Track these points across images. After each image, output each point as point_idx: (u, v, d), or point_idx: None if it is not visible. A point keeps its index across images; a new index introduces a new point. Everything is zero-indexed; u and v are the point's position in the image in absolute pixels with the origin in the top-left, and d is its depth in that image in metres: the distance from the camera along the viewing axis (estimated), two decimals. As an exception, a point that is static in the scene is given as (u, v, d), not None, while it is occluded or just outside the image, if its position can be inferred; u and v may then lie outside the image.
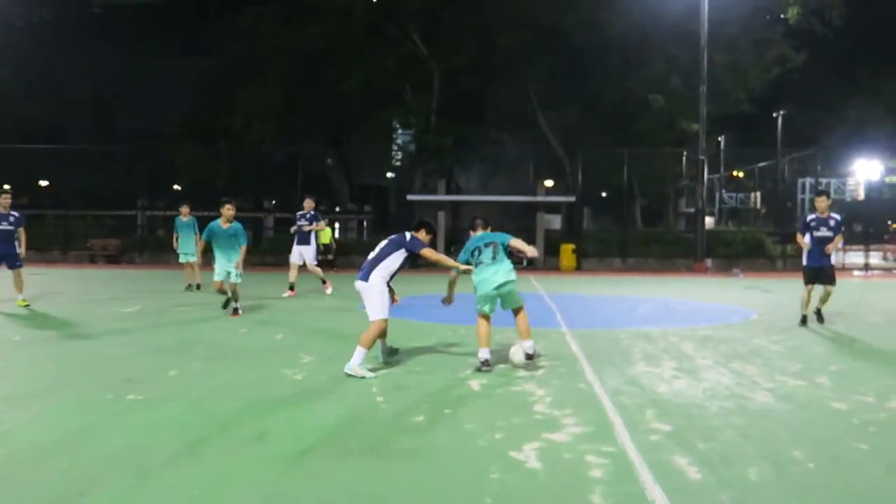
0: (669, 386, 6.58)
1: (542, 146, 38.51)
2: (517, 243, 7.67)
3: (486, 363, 7.24)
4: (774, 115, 41.08)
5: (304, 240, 15.66)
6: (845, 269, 28.35)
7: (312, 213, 15.74)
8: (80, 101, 54.91)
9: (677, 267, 28.17)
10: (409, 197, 30.93)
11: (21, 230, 12.78)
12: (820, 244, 10.64)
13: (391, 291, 7.51)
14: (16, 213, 12.77)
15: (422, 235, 7.50)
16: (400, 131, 45.21)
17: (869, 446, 4.81)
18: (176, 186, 41.56)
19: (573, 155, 34.15)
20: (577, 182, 31.87)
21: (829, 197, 10.68)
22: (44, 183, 47.06)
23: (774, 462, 4.45)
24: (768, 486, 4.06)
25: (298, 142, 35.22)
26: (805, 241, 10.79)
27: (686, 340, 9.23)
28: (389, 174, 51.52)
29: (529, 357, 7.44)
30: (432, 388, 6.48)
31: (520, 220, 28.90)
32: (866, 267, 28.64)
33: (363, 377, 6.85)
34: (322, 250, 24.71)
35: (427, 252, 7.45)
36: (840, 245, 11.22)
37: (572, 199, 30.76)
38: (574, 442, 4.83)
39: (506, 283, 7.44)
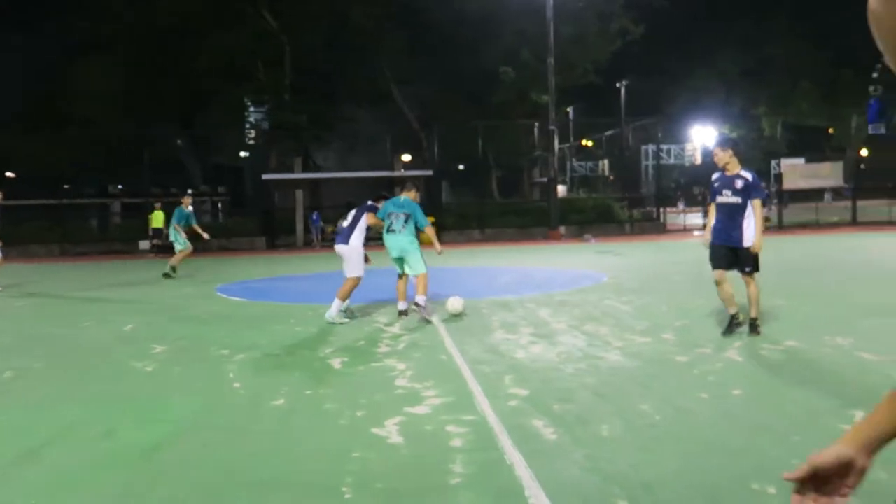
0: (527, 352, 6.74)
1: (399, 121, 38.52)
2: (430, 233, 9.25)
3: (403, 313, 8.96)
4: (618, 85, 42.90)
5: None
6: (686, 230, 30.12)
7: None
8: None
9: (534, 236, 28.99)
10: (265, 176, 30.06)
11: None
12: (725, 213, 7.23)
13: (366, 256, 9.11)
14: None
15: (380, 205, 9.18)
16: (253, 109, 43.89)
17: (708, 395, 5.12)
18: (9, 174, 38.68)
19: (429, 129, 34.33)
20: (434, 156, 32.10)
21: (730, 147, 7.28)
22: None
23: (625, 417, 4.65)
24: (619, 440, 4.23)
25: (146, 123, 33.51)
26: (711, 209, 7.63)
27: (542, 307, 9.51)
28: (243, 153, 50.00)
29: (416, 304, 8.70)
30: (292, 371, 6.35)
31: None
32: (704, 227, 30.56)
33: (341, 323, 8.51)
34: (152, 235, 23.70)
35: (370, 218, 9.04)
36: (767, 218, 7.83)
37: (430, 172, 30.91)
38: (435, 413, 4.86)
39: (400, 257, 8.98)
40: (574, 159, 50.19)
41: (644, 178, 44.57)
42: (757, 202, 7.04)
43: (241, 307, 10.81)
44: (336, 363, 6.57)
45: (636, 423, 4.54)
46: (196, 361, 6.85)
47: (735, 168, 7.15)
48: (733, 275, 7.13)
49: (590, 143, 49.63)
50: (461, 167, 46.02)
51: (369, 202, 9.38)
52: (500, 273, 14.92)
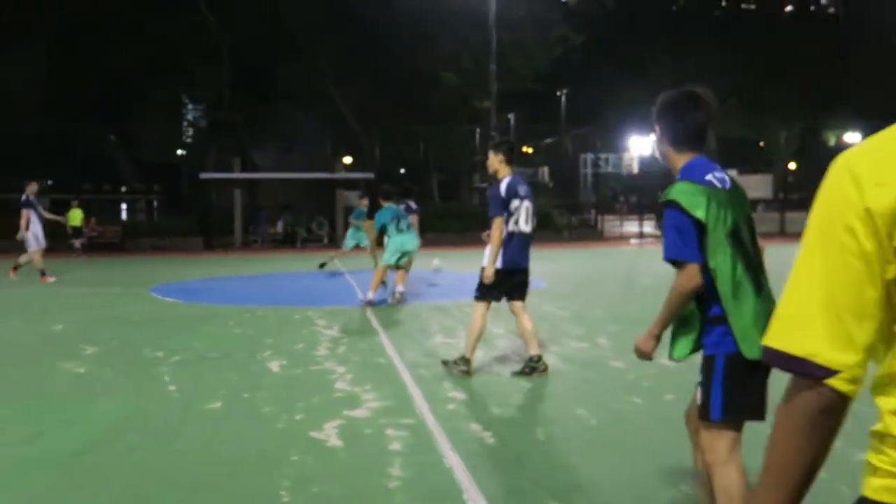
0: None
1: (340, 123, 38.26)
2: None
3: (369, 303, 10.02)
4: (558, 93, 43.47)
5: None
6: (623, 237, 30.67)
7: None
8: None
9: (474, 240, 29.11)
10: (203, 175, 29.53)
11: None
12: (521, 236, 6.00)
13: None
14: None
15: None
16: (190, 106, 43.07)
17: (642, 400, 5.23)
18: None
19: (370, 131, 34.22)
20: (376, 158, 32.02)
21: (502, 151, 6.07)
22: None
23: (561, 421, 4.72)
24: (555, 444, 4.30)
25: (73, 118, 32.52)
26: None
27: None
28: (180, 151, 48.94)
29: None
30: (229, 373, 6.26)
31: (320, 198, 28.61)
32: (641, 235, 31.12)
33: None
34: (72, 233, 22.95)
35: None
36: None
37: (371, 175, 30.82)
38: (374, 417, 4.85)
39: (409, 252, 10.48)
40: (514, 165, 50.68)
41: (583, 185, 45.23)
42: (496, 220, 5.81)
43: (176, 308, 10.60)
44: (274, 366, 6.50)
45: (572, 426, 4.62)
46: (128, 363, 6.70)
47: (504, 175, 5.97)
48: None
49: (530, 150, 50.17)
50: (402, 170, 46.03)
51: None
52: (439, 277, 14.96)
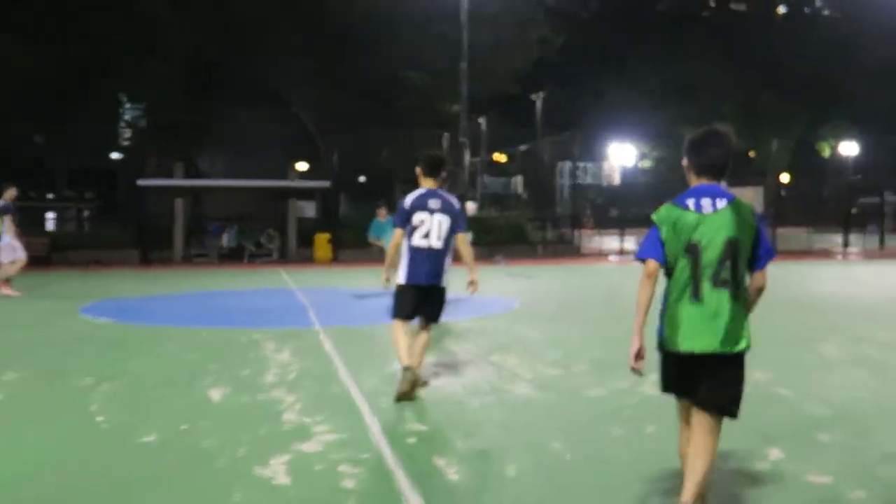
0: (430, 384, 6.76)
1: (294, 126, 38.16)
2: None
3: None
4: (534, 97, 43.75)
5: None
6: (602, 254, 30.90)
7: None
8: None
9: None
10: (141, 182, 29.22)
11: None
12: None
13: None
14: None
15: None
16: (128, 106, 42.60)
17: (624, 431, 5.26)
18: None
19: (328, 136, 34.14)
20: (333, 165, 31.94)
21: (420, 165, 6.53)
22: None
23: (534, 455, 4.72)
24: (528, 480, 4.29)
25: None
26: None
27: (447, 334, 9.56)
28: (116, 155, 48.39)
29: None
30: (167, 402, 6.18)
31: (271, 207, 28.48)
32: (621, 252, 31.37)
33: None
34: None
35: None
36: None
37: (327, 184, 30.75)
38: (326, 451, 4.81)
39: None
40: (485, 174, 50.89)
41: (559, 197, 45.50)
42: (394, 232, 6.43)
43: (108, 330, 10.44)
44: (216, 394, 6.42)
45: (546, 460, 4.62)
46: (54, 391, 6.58)
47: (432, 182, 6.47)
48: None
49: (503, 158, 50.45)
50: (363, 178, 45.97)
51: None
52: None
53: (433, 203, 6.26)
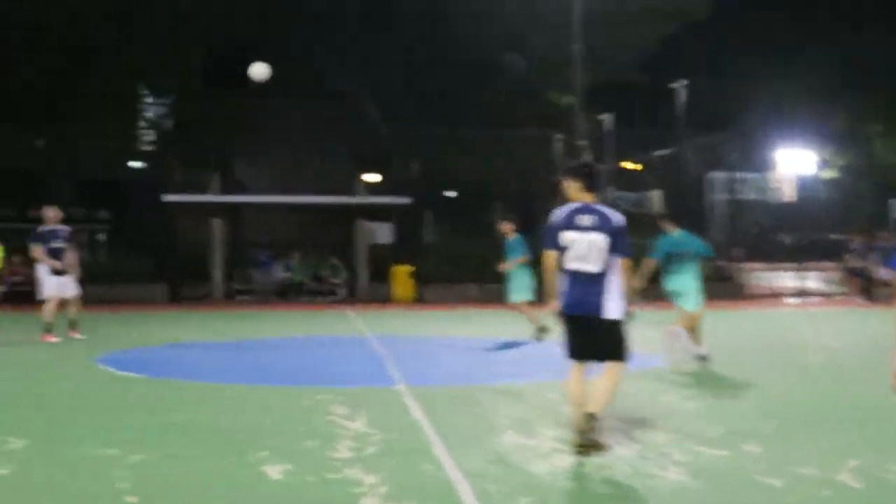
0: (550, 464, 6.75)
1: (363, 127, 38.63)
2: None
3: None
4: (673, 86, 43.28)
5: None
6: (774, 294, 30.28)
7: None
8: None
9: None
10: (167, 197, 29.97)
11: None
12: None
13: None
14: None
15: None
16: (151, 101, 43.55)
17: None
18: None
19: (406, 139, 34.42)
20: (414, 176, 32.18)
21: (580, 178, 7.01)
22: None
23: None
24: None
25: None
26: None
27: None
28: (134, 164, 49.30)
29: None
30: (207, 480, 6.33)
31: (333, 231, 28.73)
32: (802, 293, 30.63)
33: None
34: None
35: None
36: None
37: (407, 200, 30.97)
38: (422, 550, 4.86)
39: None
40: (613, 187, 50.55)
41: (711, 217, 44.76)
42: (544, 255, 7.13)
43: (134, 385, 10.76)
44: (274, 472, 6.54)
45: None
46: (71, 463, 6.80)
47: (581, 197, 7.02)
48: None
49: (635, 166, 49.99)
50: (452, 193, 46.15)
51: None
52: (508, 346, 14.93)
53: (586, 220, 6.74)
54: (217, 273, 28.08)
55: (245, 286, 28.15)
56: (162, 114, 43.35)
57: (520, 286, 15.54)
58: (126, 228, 45.60)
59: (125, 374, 11.65)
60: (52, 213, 16.36)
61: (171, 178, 35.21)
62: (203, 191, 31.05)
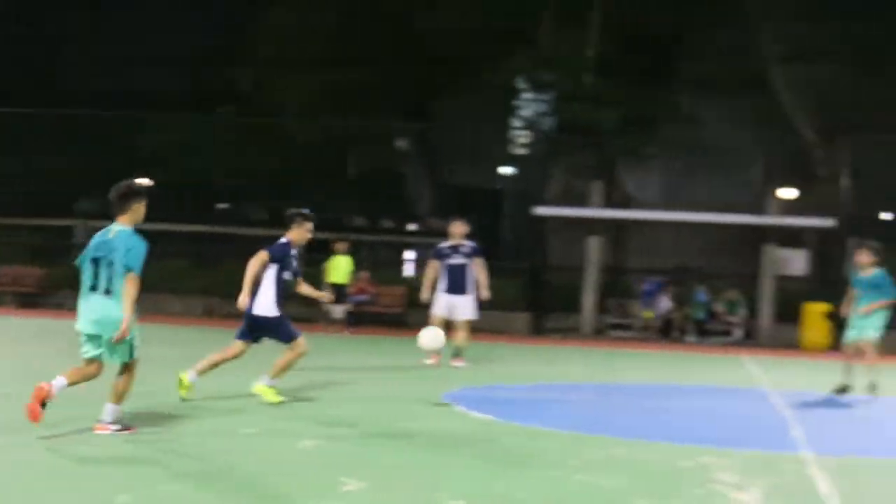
0: None
1: (779, 126, 37.68)
2: None
3: None
4: None
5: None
6: None
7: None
8: None
9: None
10: (539, 210, 30.47)
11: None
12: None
13: None
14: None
15: None
16: (529, 96, 44.25)
17: None
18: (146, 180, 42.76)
19: (838, 142, 33.40)
20: (841, 190, 31.14)
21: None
22: None
23: None
24: None
25: (356, 113, 35.38)
26: None
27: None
28: (505, 170, 50.20)
29: None
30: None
31: (734, 256, 28.31)
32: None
33: None
34: (332, 294, 24.56)
35: None
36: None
37: (830, 222, 29.92)
38: None
39: None
40: None
41: None
42: None
43: (484, 428, 11.08)
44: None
45: None
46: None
47: None
48: None
49: None
50: (886, 216, 44.07)
51: None
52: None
53: None
54: (588, 301, 28.19)
55: (621, 320, 28.16)
56: (542, 114, 43.93)
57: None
58: (490, 245, 46.90)
59: (478, 414, 11.97)
60: (459, 229, 17.76)
61: (544, 188, 35.81)
62: (581, 203, 31.24)
